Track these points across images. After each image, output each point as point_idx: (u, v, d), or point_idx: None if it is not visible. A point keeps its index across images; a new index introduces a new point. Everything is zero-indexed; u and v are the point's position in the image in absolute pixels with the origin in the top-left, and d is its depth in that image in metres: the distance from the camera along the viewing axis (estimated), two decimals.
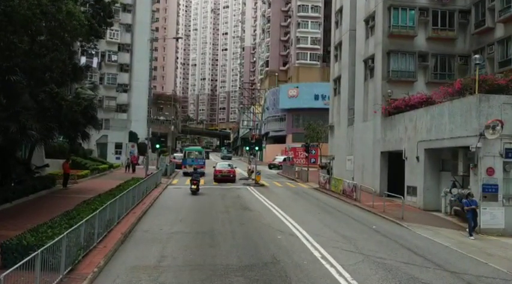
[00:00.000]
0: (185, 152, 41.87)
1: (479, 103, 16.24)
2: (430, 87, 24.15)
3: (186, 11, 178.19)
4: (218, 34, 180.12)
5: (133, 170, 36.83)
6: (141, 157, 49.42)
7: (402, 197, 19.59)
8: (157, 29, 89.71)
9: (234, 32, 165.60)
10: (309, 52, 78.16)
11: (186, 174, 38.07)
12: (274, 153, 63.10)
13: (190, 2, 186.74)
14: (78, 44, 20.50)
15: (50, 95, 17.42)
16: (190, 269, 9.61)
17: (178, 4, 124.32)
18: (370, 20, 27.72)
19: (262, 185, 30.22)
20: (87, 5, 21.34)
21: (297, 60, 78.12)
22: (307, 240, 12.86)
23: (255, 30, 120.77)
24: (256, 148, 34.74)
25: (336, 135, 34.94)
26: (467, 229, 15.16)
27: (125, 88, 54.66)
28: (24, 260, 6.78)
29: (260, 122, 71.38)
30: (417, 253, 12.00)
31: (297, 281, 9.03)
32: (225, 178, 31.22)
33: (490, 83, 17.55)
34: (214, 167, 33.26)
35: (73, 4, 15.55)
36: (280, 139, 70.20)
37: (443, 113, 18.87)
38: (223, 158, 69.61)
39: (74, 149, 31.90)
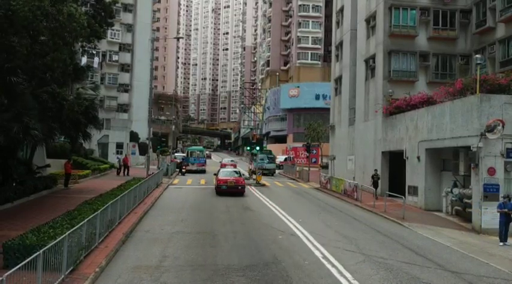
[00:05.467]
0: (188, 151, 43.79)
1: (480, 103, 16.23)
2: (431, 87, 24.14)
3: (187, 10, 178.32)
4: (219, 34, 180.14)
5: (127, 172, 33.12)
6: (141, 157, 49.61)
7: (403, 197, 19.59)
8: (158, 29, 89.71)
9: (235, 31, 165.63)
10: (310, 52, 78.18)
11: (189, 171, 38.75)
12: (276, 153, 63.05)
13: (191, 1, 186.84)
14: (79, 44, 20.50)
15: (52, 95, 17.45)
16: (191, 269, 9.62)
17: (179, 4, 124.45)
18: (371, 20, 27.71)
19: (263, 185, 30.22)
20: (88, 5, 21.36)
21: (298, 59, 78.12)
22: (309, 240, 12.86)
23: (255, 30, 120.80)
24: (257, 148, 34.72)
25: (337, 134, 34.94)
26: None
27: (125, 88, 54.75)
28: (26, 260, 6.80)
29: (261, 122, 71.52)
30: (418, 253, 12.01)
31: (298, 281, 9.04)
32: None
33: (491, 83, 17.52)
34: None
35: (74, 6, 15.57)
36: (281, 139, 70.22)
37: (444, 113, 18.87)
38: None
39: (75, 149, 31.95)
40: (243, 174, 29.42)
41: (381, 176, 25.22)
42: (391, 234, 14.66)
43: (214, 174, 26.46)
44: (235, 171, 27.67)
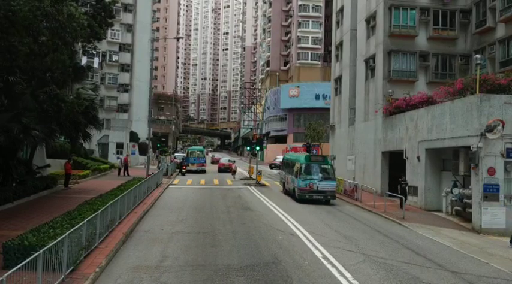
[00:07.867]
0: (188, 151, 44.02)
1: (480, 103, 16.24)
2: (431, 87, 24.15)
3: (187, 10, 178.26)
4: (219, 34, 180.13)
5: (127, 172, 32.61)
6: (141, 157, 49.58)
7: (403, 197, 19.58)
8: (158, 29, 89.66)
9: (235, 31, 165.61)
10: (309, 52, 78.16)
11: (189, 171, 38.77)
12: (276, 153, 63.07)
13: (191, 1, 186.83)
14: (79, 44, 20.50)
15: (49, 96, 17.43)
16: (191, 269, 9.63)
17: (179, 4, 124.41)
18: (371, 20, 27.71)
19: (264, 185, 30.22)
20: (88, 5, 21.34)
21: (298, 59, 78.11)
22: (309, 240, 12.87)
23: (255, 30, 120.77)
24: (257, 148, 34.71)
25: (337, 134, 34.94)
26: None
27: (125, 88, 54.72)
28: (26, 260, 6.78)
29: (261, 122, 71.44)
30: (418, 253, 12.01)
31: (298, 281, 9.04)
32: None
33: (491, 83, 17.52)
34: None
35: (74, 6, 15.57)
36: (281, 139, 70.19)
37: (444, 113, 18.87)
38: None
39: (75, 149, 31.95)
40: (235, 161, 46.45)
41: (380, 176, 25.23)
42: (391, 234, 14.66)
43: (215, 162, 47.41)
44: (229, 160, 46.58)
